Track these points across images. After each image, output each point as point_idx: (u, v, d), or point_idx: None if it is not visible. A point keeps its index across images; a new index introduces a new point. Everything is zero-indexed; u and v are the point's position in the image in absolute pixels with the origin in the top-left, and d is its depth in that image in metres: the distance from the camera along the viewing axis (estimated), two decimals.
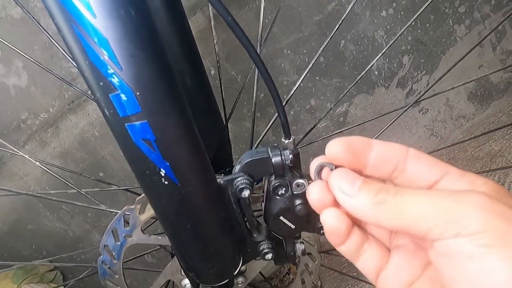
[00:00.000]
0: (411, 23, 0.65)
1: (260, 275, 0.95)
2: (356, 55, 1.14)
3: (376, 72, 1.20)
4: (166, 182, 0.38)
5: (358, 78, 0.71)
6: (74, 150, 0.99)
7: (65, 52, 0.65)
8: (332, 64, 1.13)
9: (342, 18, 0.63)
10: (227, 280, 0.55)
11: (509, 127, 1.28)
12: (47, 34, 0.65)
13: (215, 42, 0.72)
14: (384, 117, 0.80)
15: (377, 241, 0.33)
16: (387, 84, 1.22)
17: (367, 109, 1.23)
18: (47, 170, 0.69)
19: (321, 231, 0.49)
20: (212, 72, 0.99)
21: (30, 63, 0.87)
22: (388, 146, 0.30)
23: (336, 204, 0.31)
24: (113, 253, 0.56)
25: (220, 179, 0.44)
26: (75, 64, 0.32)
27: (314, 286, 1.13)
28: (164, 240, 0.56)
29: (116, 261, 0.57)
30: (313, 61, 0.66)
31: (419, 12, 0.64)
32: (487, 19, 1.26)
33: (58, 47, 0.66)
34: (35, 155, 0.97)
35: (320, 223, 0.45)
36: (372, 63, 0.71)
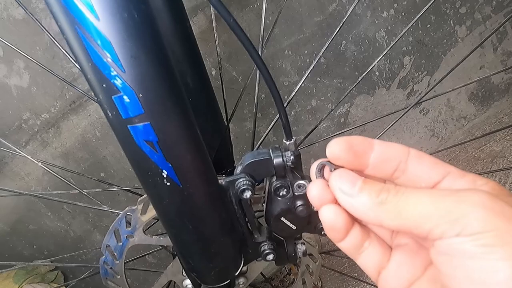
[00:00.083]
0: (413, 24, 0.65)
1: (261, 276, 0.95)
2: (357, 55, 1.14)
3: (377, 73, 1.20)
4: (168, 183, 0.38)
5: (360, 79, 0.71)
6: (76, 150, 1.00)
7: (67, 53, 0.65)
8: (333, 65, 1.13)
9: (344, 20, 0.63)
10: (228, 281, 0.55)
11: (510, 128, 1.28)
12: (49, 35, 0.65)
13: (216, 43, 0.72)
14: (385, 117, 0.80)
15: (379, 239, 0.33)
16: (388, 85, 1.22)
17: (368, 109, 1.23)
18: (49, 170, 0.69)
19: (322, 232, 0.49)
20: (213, 72, 0.99)
21: (31, 64, 0.87)
22: (389, 146, 0.30)
23: (336, 202, 0.31)
24: (115, 254, 0.57)
25: (222, 180, 0.44)
26: (78, 66, 0.32)
27: (315, 287, 1.14)
28: (166, 241, 0.56)
29: (117, 262, 0.57)
30: (314, 62, 0.67)
31: (421, 13, 0.64)
32: (488, 20, 1.26)
33: (60, 47, 0.66)
34: (36, 155, 0.97)
35: (321, 224, 0.45)
36: (374, 64, 0.71)
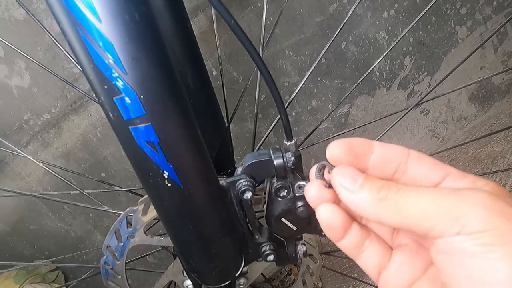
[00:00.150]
0: (413, 24, 0.65)
1: (261, 276, 0.95)
2: (358, 56, 1.14)
3: (378, 74, 1.20)
4: (169, 184, 0.38)
5: (360, 79, 0.71)
6: (76, 150, 1.00)
7: (68, 53, 0.66)
8: (334, 65, 1.13)
9: (344, 21, 0.63)
10: (229, 281, 0.55)
11: (511, 128, 1.28)
12: (50, 35, 0.66)
13: (217, 43, 0.72)
14: (385, 118, 0.80)
15: (379, 239, 0.33)
16: (388, 86, 1.22)
17: (369, 110, 1.23)
18: (50, 171, 0.69)
19: (323, 233, 0.49)
20: (214, 73, 1.00)
21: (32, 64, 0.87)
22: (389, 148, 0.30)
23: (334, 201, 0.31)
24: (116, 254, 0.57)
25: (223, 181, 0.45)
26: (80, 68, 0.32)
27: (315, 287, 1.14)
28: (167, 241, 0.56)
29: (118, 262, 0.58)
30: (315, 63, 0.67)
31: (422, 14, 0.64)
32: (488, 20, 1.26)
33: (61, 48, 0.66)
34: (37, 155, 0.97)
35: (318, 220, 0.45)
36: (375, 65, 0.71)
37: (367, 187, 0.28)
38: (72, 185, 0.68)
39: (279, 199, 0.44)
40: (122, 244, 0.56)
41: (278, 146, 0.43)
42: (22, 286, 1.01)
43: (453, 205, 0.25)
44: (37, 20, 0.65)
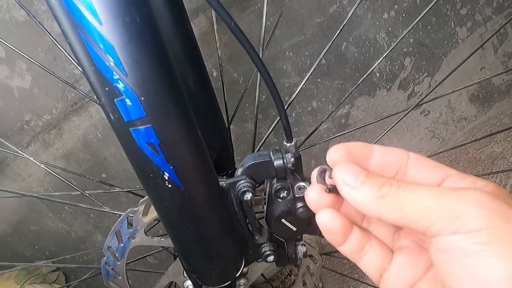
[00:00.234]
0: (413, 25, 0.65)
1: (261, 277, 0.95)
2: (358, 57, 1.14)
3: (378, 74, 1.20)
4: (169, 185, 0.39)
5: (360, 80, 0.72)
6: (77, 151, 1.00)
7: (68, 54, 0.66)
8: (334, 66, 1.13)
9: (345, 22, 0.63)
10: (229, 282, 0.56)
11: (511, 129, 1.28)
12: (51, 36, 0.66)
13: (217, 44, 0.72)
14: (385, 119, 0.81)
15: (380, 242, 0.33)
16: (388, 86, 1.23)
17: (369, 111, 1.23)
18: (51, 172, 0.69)
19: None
20: (214, 74, 1.00)
21: (33, 65, 0.88)
22: (389, 151, 0.31)
23: (333, 206, 0.32)
24: (116, 254, 0.57)
25: (223, 182, 0.45)
26: (81, 69, 0.32)
27: None
28: (167, 242, 0.56)
29: (119, 262, 0.58)
30: (315, 64, 0.67)
31: (422, 15, 0.64)
32: (488, 21, 1.26)
33: (62, 49, 0.66)
34: (38, 156, 0.97)
35: (318, 225, 0.45)
36: (375, 65, 0.71)
37: (368, 184, 0.28)
38: (73, 186, 0.69)
39: (279, 200, 0.44)
40: (122, 244, 0.56)
41: (278, 147, 0.43)
42: (23, 287, 1.01)
43: (452, 203, 0.25)
44: (38, 21, 0.66)
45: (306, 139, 0.83)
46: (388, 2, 1.12)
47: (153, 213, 0.54)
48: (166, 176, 0.38)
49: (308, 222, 0.47)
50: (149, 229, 0.57)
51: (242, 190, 0.44)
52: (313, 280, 0.70)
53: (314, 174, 0.32)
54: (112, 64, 0.30)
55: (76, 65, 0.38)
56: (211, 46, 0.96)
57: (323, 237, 0.49)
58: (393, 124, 0.72)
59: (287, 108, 0.69)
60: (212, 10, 0.66)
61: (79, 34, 0.29)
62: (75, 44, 0.30)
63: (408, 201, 0.27)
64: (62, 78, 0.71)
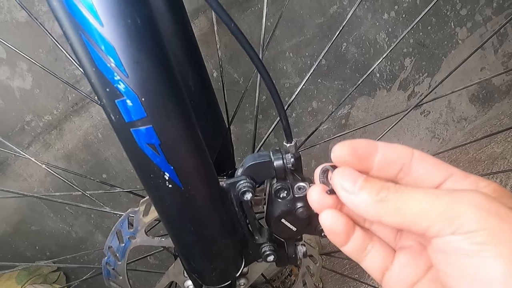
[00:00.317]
0: (413, 26, 0.65)
1: (262, 277, 0.95)
2: (358, 57, 1.14)
3: (378, 75, 1.20)
4: (170, 185, 0.39)
5: (360, 80, 0.72)
6: (78, 151, 1.00)
7: (69, 55, 0.66)
8: (334, 67, 1.13)
9: (345, 22, 0.63)
10: (229, 282, 0.56)
11: (511, 129, 1.28)
12: (51, 37, 0.66)
13: (218, 45, 0.72)
14: (385, 119, 0.81)
15: (382, 242, 0.34)
16: (388, 87, 1.23)
17: (369, 111, 1.23)
18: (52, 172, 0.69)
19: (322, 234, 0.49)
20: (215, 74, 1.00)
21: (34, 66, 0.88)
22: (393, 148, 0.31)
23: (336, 206, 0.32)
24: (117, 255, 0.57)
25: (223, 182, 0.45)
26: (82, 71, 0.33)
27: None
28: (167, 242, 0.57)
29: (120, 262, 0.58)
30: (315, 64, 0.67)
31: (422, 15, 0.64)
32: (488, 21, 1.26)
33: (62, 49, 0.67)
34: (39, 156, 0.97)
35: (321, 226, 0.45)
36: (375, 66, 0.71)
37: (367, 189, 0.28)
38: (74, 186, 0.69)
39: (279, 200, 0.44)
40: (123, 244, 0.56)
41: (278, 148, 0.44)
42: (24, 287, 1.01)
43: (449, 205, 0.25)
44: (39, 22, 0.66)
45: (306, 139, 0.83)
46: (388, 3, 1.12)
47: (153, 213, 0.54)
48: (167, 176, 0.38)
49: (308, 222, 0.47)
50: (150, 229, 0.58)
51: (242, 190, 0.44)
52: (313, 280, 0.71)
53: (317, 173, 0.32)
54: (113, 65, 0.31)
55: (77, 66, 0.38)
56: (211, 47, 0.97)
57: (323, 237, 0.49)
58: (393, 125, 0.72)
59: (287, 108, 0.69)
60: (212, 11, 0.66)
61: (81, 36, 0.30)
62: (76, 46, 0.31)
63: (406, 204, 0.27)
64: (63, 79, 0.71)
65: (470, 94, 1.35)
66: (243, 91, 0.77)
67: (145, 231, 0.56)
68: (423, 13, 0.64)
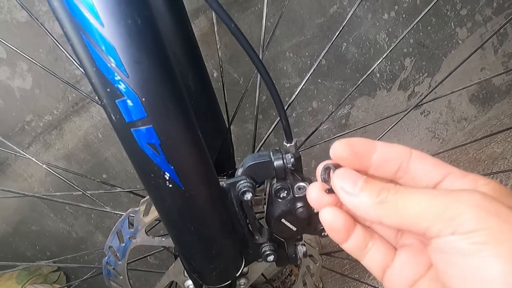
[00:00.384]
0: (413, 26, 0.65)
1: (262, 277, 0.95)
2: (358, 57, 1.14)
3: (378, 75, 1.20)
4: (170, 185, 0.39)
5: (361, 80, 0.72)
6: (78, 151, 1.00)
7: (69, 55, 0.66)
8: (334, 67, 1.13)
9: (345, 22, 0.64)
10: (229, 282, 0.56)
11: (511, 129, 1.28)
12: (52, 37, 0.66)
13: (218, 45, 0.72)
14: (385, 119, 0.81)
15: (383, 239, 0.34)
16: (388, 87, 1.23)
17: (369, 111, 1.23)
18: (53, 172, 0.70)
19: (322, 233, 0.49)
20: (215, 74, 1.00)
21: (34, 66, 0.88)
22: (391, 147, 0.31)
23: (335, 203, 0.32)
24: (118, 254, 0.57)
25: (223, 182, 0.45)
26: (83, 71, 0.33)
27: None
28: (168, 242, 0.57)
29: (120, 262, 0.58)
30: (315, 64, 0.67)
31: (422, 15, 0.64)
32: (489, 21, 1.26)
33: (63, 49, 0.67)
34: (39, 156, 0.98)
35: (321, 226, 0.45)
36: (375, 66, 0.71)
37: (367, 190, 0.28)
38: (74, 186, 0.69)
39: (279, 200, 0.44)
40: (124, 244, 0.56)
41: (278, 148, 0.44)
42: (24, 287, 1.01)
43: (448, 206, 0.26)
44: (39, 22, 0.66)
45: (306, 139, 0.83)
46: (388, 3, 1.12)
47: (154, 213, 0.54)
48: (167, 176, 0.38)
49: (308, 222, 0.47)
50: (150, 229, 0.58)
51: (242, 190, 0.44)
52: (313, 280, 0.71)
53: (319, 170, 0.33)
54: (113, 65, 0.31)
55: (78, 66, 0.38)
56: (211, 47, 0.97)
57: (323, 237, 0.49)
58: (393, 125, 0.72)
59: (287, 108, 0.69)
60: (213, 11, 0.66)
61: (81, 36, 0.30)
62: (77, 46, 0.31)
63: (406, 205, 0.27)
64: (63, 79, 0.71)
65: (470, 94, 1.35)
66: (243, 91, 0.78)
67: (145, 231, 0.56)
68: (423, 13, 0.64)
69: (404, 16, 1.15)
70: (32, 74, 0.89)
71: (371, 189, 0.28)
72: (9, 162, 0.98)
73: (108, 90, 0.32)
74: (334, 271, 1.14)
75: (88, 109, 0.97)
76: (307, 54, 1.09)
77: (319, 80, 1.13)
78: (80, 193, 0.69)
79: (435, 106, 1.32)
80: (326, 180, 0.32)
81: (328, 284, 1.20)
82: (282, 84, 1.10)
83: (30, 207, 1.05)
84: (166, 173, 0.38)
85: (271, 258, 0.53)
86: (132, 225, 0.55)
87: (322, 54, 0.68)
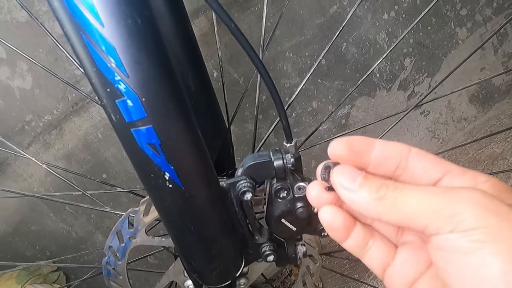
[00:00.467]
0: (413, 26, 0.65)
1: (262, 277, 0.95)
2: (358, 57, 1.14)
3: (378, 75, 1.20)
4: (170, 185, 0.39)
5: (361, 80, 0.72)
6: (78, 151, 1.00)
7: (69, 55, 0.66)
8: (334, 67, 1.13)
9: (345, 22, 0.64)
10: (229, 282, 0.56)
11: (511, 129, 1.28)
12: (52, 37, 0.66)
13: (218, 45, 0.72)
14: (385, 119, 0.81)
15: (383, 237, 0.34)
16: (388, 87, 1.23)
17: (369, 111, 1.23)
18: (53, 172, 0.70)
19: (322, 233, 0.49)
20: (215, 74, 1.00)
21: (34, 66, 0.88)
22: (390, 145, 0.31)
23: (335, 202, 0.32)
24: (117, 254, 0.57)
25: (223, 182, 0.45)
26: (83, 71, 0.33)
27: None
28: (168, 242, 0.57)
29: (120, 262, 0.58)
30: (315, 64, 0.67)
31: (422, 15, 0.64)
32: (488, 21, 1.26)
33: (63, 50, 0.67)
34: (39, 156, 0.98)
35: (321, 225, 0.46)
36: (375, 66, 0.71)
37: (366, 187, 0.28)
38: (74, 186, 0.69)
39: (279, 200, 0.44)
40: (123, 244, 0.56)
41: (278, 148, 0.44)
42: (24, 287, 1.01)
43: (447, 203, 0.25)
44: (39, 22, 0.66)
45: (306, 139, 0.83)
46: (388, 3, 1.12)
47: (153, 213, 0.54)
48: (167, 176, 0.38)
49: (307, 222, 0.47)
50: (150, 229, 0.58)
51: (242, 190, 0.44)
52: (313, 280, 0.71)
53: (319, 170, 0.33)
54: (113, 65, 0.31)
55: (78, 66, 0.38)
56: (211, 47, 0.97)
57: (323, 237, 0.49)
58: (393, 125, 0.72)
59: (287, 108, 0.69)
60: (213, 11, 0.66)
61: (81, 36, 0.30)
62: (77, 46, 0.31)
63: (405, 202, 0.27)
64: (63, 79, 0.71)
65: (470, 94, 1.35)
66: (243, 91, 0.78)
67: (145, 231, 0.56)
68: (423, 13, 0.64)
69: (404, 16, 1.15)
70: (32, 74, 0.89)
71: (370, 185, 0.28)
72: (9, 162, 0.98)
73: (108, 90, 0.32)
74: (334, 271, 1.14)
75: (88, 109, 0.97)
76: (307, 54, 1.09)
77: (319, 80, 1.13)
78: (80, 193, 0.69)
79: (435, 106, 1.32)
80: (326, 179, 0.32)
81: (328, 284, 1.20)
82: (282, 84, 1.10)
83: (30, 207, 1.05)
84: (166, 173, 0.38)
85: (271, 258, 0.53)
86: (132, 225, 0.55)
87: (322, 54, 0.68)
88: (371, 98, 1.22)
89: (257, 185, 0.45)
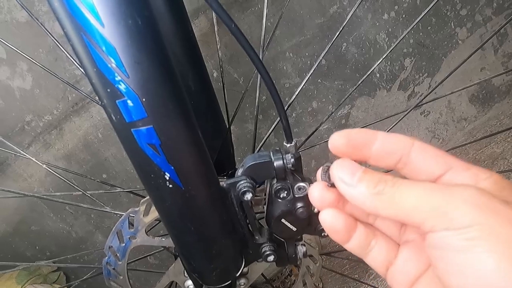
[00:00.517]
0: (413, 26, 0.65)
1: (262, 277, 0.95)
2: (358, 57, 1.14)
3: (378, 75, 1.20)
4: (170, 186, 0.39)
5: (361, 81, 0.72)
6: (78, 151, 1.00)
7: (69, 55, 0.66)
8: (334, 67, 1.13)
9: (345, 22, 0.64)
10: (229, 282, 0.56)
11: (511, 130, 1.28)
12: (52, 37, 0.66)
13: (218, 45, 0.72)
14: (385, 119, 0.81)
15: (385, 237, 0.34)
16: (388, 87, 1.23)
17: (369, 111, 1.23)
18: (53, 172, 0.70)
19: (322, 234, 0.49)
20: (215, 74, 1.00)
21: (34, 66, 0.88)
22: (393, 138, 0.30)
23: (337, 202, 0.32)
24: (118, 254, 0.57)
25: (223, 182, 0.45)
26: (83, 71, 0.33)
27: None
28: (168, 242, 0.57)
29: (120, 262, 0.58)
30: (315, 64, 0.67)
31: (422, 15, 0.64)
32: (488, 22, 1.26)
33: (63, 50, 0.67)
34: (39, 156, 0.98)
35: (321, 226, 0.45)
36: (375, 66, 0.71)
37: (365, 181, 0.28)
38: (74, 186, 0.69)
39: (279, 200, 0.44)
40: (124, 244, 0.56)
41: (278, 148, 0.44)
42: (24, 287, 1.01)
43: (442, 200, 0.25)
44: (39, 22, 0.66)
45: (306, 139, 0.83)
46: (388, 3, 1.12)
47: (154, 213, 0.54)
48: (167, 176, 0.38)
49: (308, 222, 0.47)
50: (150, 229, 0.58)
51: (242, 191, 0.44)
52: (313, 280, 0.71)
53: (319, 172, 0.33)
54: (114, 65, 0.31)
55: (78, 66, 0.38)
56: (211, 47, 0.97)
57: (323, 237, 0.49)
58: (393, 125, 0.72)
59: (287, 108, 0.69)
60: (213, 11, 0.66)
61: (82, 36, 0.30)
62: (78, 46, 0.31)
63: (401, 198, 0.27)
64: (63, 79, 0.71)
65: (470, 94, 1.35)
66: (243, 91, 0.78)
67: (145, 231, 0.56)
68: (423, 13, 0.64)
69: (404, 16, 1.15)
70: (32, 74, 0.89)
71: (369, 180, 0.28)
72: (9, 162, 0.98)
73: (109, 90, 0.32)
74: (334, 271, 1.14)
75: (88, 109, 0.97)
76: (307, 54, 1.09)
77: (319, 80, 1.13)
78: (80, 193, 0.69)
79: (435, 106, 1.32)
80: (326, 180, 0.32)
81: (328, 284, 1.20)
82: (282, 84, 1.10)
83: (30, 207, 1.05)
84: (166, 173, 0.38)
85: (271, 258, 0.53)
86: (132, 225, 0.55)
87: (322, 54, 0.68)
88: (371, 98, 1.22)
89: (257, 185, 0.45)
